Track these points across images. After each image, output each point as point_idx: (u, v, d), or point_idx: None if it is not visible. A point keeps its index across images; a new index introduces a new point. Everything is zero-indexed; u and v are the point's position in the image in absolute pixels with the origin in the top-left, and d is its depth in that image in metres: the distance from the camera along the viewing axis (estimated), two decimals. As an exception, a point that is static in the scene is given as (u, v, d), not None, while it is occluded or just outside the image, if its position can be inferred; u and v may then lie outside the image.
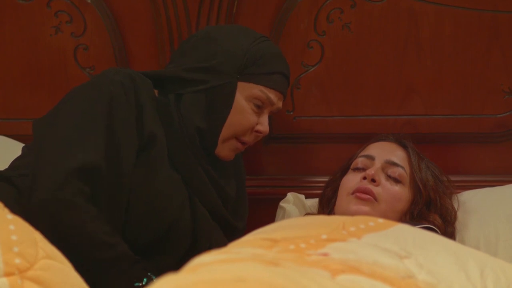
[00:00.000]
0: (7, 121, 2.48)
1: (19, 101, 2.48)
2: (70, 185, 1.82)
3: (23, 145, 2.13)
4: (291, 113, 2.48)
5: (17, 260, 1.25)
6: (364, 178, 2.13)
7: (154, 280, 1.85)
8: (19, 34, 2.45)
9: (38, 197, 1.81)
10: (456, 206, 2.24)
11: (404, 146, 2.22)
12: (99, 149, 1.87)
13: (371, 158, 2.18)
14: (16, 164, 2.02)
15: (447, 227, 2.17)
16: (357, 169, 2.19)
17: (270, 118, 2.11)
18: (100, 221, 1.85)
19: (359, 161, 2.20)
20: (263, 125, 2.06)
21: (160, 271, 1.88)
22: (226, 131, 2.03)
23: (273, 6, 2.43)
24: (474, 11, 2.43)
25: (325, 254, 1.27)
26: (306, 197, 2.41)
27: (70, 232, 1.82)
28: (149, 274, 1.89)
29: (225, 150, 2.05)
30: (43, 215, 1.81)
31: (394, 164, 2.16)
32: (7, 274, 1.23)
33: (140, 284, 1.86)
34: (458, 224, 2.23)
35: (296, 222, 1.56)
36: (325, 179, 2.33)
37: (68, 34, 2.44)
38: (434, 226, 2.10)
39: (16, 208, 1.69)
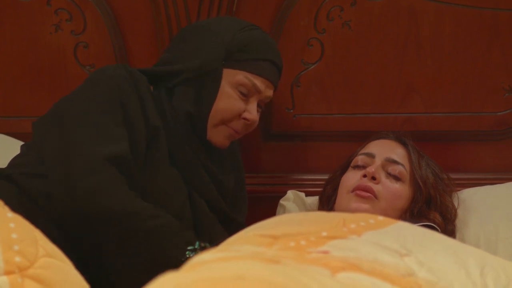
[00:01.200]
0: (7, 119, 2.48)
1: (19, 99, 2.47)
2: (105, 171, 1.83)
3: (22, 143, 2.13)
4: (291, 111, 2.47)
5: (18, 259, 1.25)
6: (364, 176, 2.13)
7: (208, 246, 1.86)
8: (19, 32, 2.45)
9: (78, 187, 1.81)
10: (456, 204, 2.24)
11: (404, 144, 2.22)
12: (124, 140, 1.89)
13: (371, 156, 2.18)
14: (16, 162, 2.02)
15: (447, 225, 2.17)
16: (357, 167, 2.19)
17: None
18: (141, 199, 1.87)
19: (359, 159, 2.19)
20: (251, 113, 2.04)
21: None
22: (213, 117, 2.03)
23: (273, 4, 2.43)
24: (475, 9, 2.43)
25: (326, 252, 1.27)
26: (306, 195, 2.40)
27: (115, 210, 1.81)
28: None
29: (216, 135, 2.04)
30: (86, 204, 1.81)
31: (394, 162, 2.16)
32: (8, 273, 1.23)
33: (193, 248, 1.85)
34: (458, 222, 2.23)
35: (296, 217, 1.56)
36: (325, 177, 2.33)
37: (68, 32, 2.44)
38: (434, 224, 2.10)
39: (17, 207, 1.69)
